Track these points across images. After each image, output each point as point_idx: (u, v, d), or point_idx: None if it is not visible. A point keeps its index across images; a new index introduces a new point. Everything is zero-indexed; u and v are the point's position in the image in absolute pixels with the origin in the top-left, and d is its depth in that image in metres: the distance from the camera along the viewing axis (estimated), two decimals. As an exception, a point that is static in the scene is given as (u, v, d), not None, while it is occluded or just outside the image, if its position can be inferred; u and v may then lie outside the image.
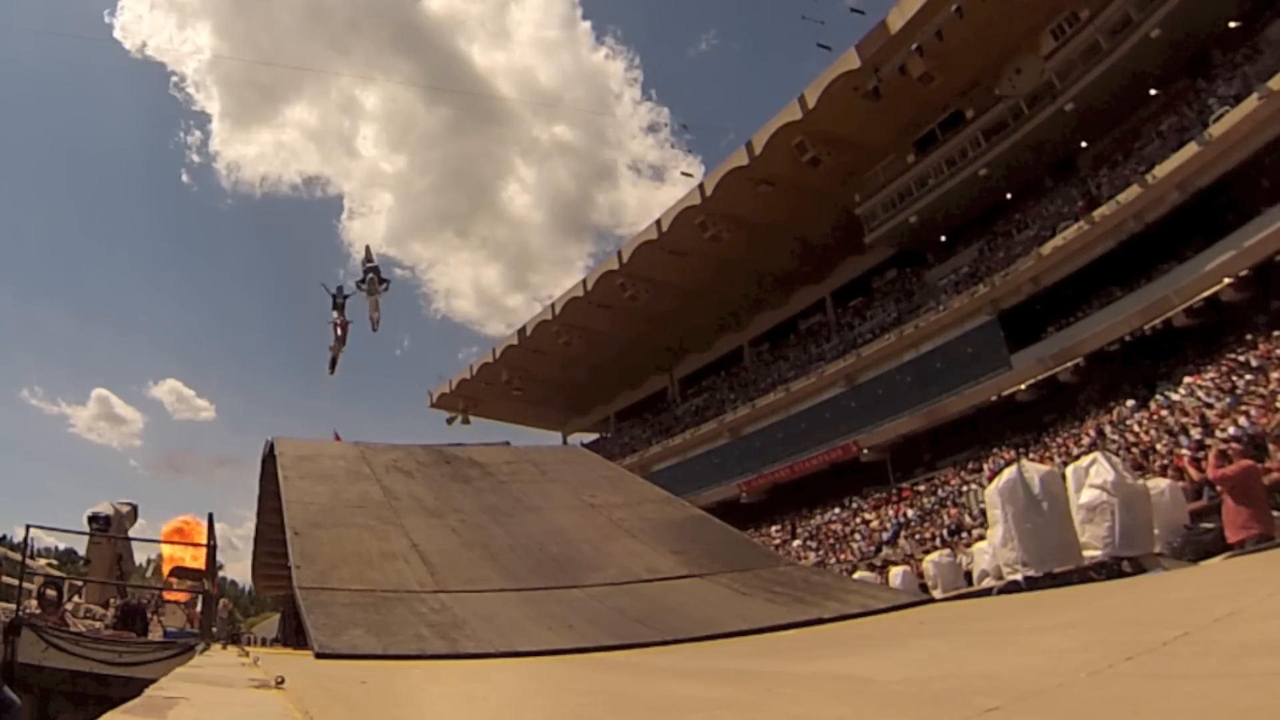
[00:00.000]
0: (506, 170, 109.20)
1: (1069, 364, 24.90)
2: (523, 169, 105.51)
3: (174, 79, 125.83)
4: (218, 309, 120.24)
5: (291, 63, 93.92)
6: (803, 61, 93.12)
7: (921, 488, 28.03)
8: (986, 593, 8.62)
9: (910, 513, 26.34)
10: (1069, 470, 8.83)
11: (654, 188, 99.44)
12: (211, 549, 8.84)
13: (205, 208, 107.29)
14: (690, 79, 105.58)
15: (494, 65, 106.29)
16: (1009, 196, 29.50)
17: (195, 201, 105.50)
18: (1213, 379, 18.80)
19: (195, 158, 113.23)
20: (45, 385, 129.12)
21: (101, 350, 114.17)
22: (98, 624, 10.22)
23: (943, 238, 31.98)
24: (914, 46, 26.70)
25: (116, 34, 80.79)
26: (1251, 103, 20.32)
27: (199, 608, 10.89)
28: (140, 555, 18.21)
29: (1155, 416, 19.21)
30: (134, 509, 12.92)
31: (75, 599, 10.93)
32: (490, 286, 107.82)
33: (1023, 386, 26.16)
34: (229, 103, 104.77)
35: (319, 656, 5.21)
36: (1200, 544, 8.15)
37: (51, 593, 9.35)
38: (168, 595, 12.45)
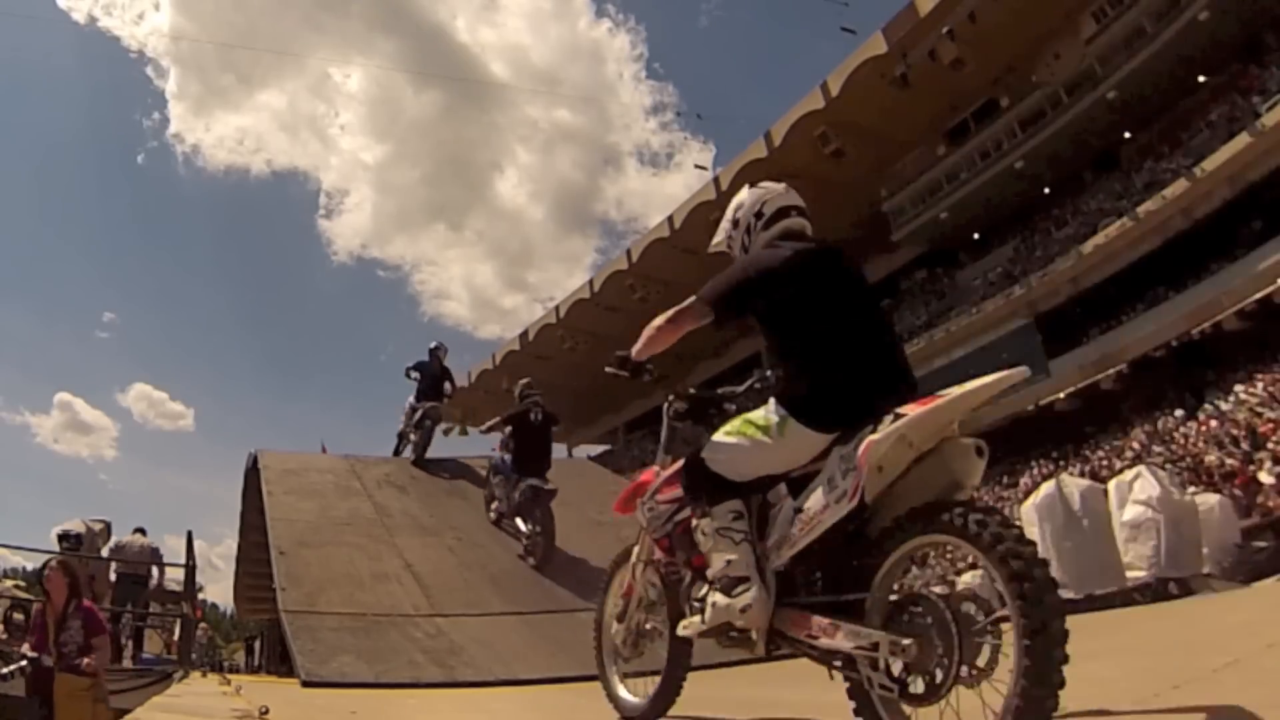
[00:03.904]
0: (504, 158, 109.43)
1: (1111, 371, 24.77)
2: (523, 155, 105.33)
3: (148, 69, 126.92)
4: (193, 309, 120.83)
5: (270, 47, 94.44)
6: (805, 34, 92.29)
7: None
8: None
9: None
10: (1111, 485, 8.82)
11: (663, 175, 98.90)
12: (190, 569, 8.85)
13: (188, 199, 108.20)
14: (699, 57, 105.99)
15: (485, 43, 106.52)
16: (1047, 191, 29.42)
17: (175, 193, 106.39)
18: (1265, 387, 18.66)
19: (153, 143, 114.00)
20: (6, 394, 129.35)
21: (64, 352, 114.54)
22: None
23: (976, 236, 31.89)
24: (945, 30, 26.62)
25: (77, 18, 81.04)
26: (1309, 89, 20.28)
27: (177, 633, 10.94)
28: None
29: (1205, 427, 19.09)
30: (107, 526, 12.89)
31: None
32: (485, 286, 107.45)
33: (1061, 395, 26.02)
34: (196, 88, 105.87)
35: (306, 685, 5.23)
36: (1253, 564, 8.12)
37: (18, 616, 9.40)
38: None
